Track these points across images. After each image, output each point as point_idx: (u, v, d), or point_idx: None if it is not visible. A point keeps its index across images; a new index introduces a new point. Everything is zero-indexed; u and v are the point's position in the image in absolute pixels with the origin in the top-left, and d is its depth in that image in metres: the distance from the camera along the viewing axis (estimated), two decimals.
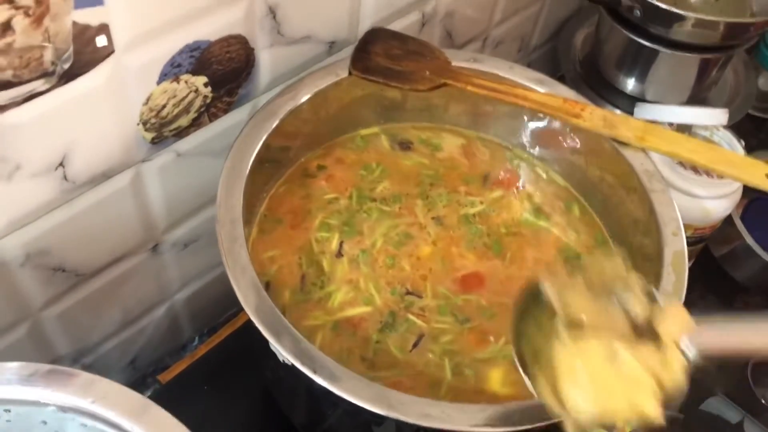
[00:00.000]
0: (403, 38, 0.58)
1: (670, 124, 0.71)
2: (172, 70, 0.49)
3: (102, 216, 0.53)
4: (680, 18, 0.71)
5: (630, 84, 0.82)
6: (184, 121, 0.53)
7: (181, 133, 0.54)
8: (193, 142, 0.55)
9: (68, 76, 0.43)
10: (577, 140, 0.58)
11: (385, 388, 0.41)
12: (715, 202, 0.70)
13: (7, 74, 0.40)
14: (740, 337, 0.37)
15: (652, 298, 0.38)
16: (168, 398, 0.62)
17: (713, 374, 0.73)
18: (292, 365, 0.42)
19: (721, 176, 0.67)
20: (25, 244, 0.49)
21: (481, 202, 0.58)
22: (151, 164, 0.53)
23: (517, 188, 0.60)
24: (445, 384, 0.48)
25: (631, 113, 0.73)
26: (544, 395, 0.37)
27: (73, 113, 0.45)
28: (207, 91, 0.53)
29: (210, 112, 0.55)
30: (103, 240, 0.55)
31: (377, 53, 0.56)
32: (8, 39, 0.39)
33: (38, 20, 0.39)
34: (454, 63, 0.57)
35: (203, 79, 0.52)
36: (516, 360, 0.39)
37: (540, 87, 0.57)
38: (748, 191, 0.73)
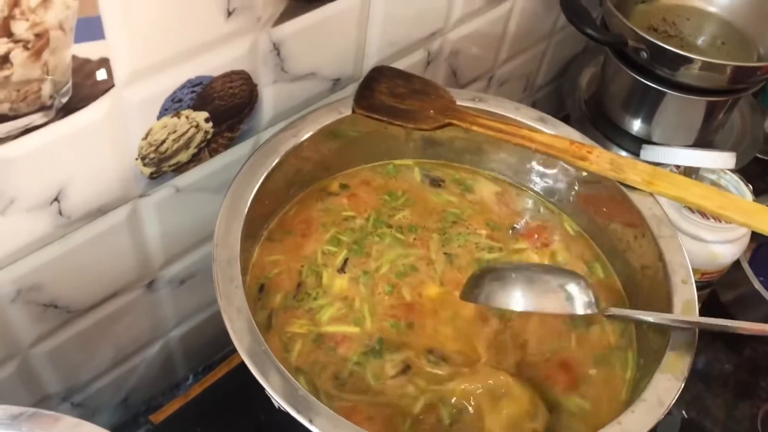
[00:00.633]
0: (407, 76, 0.57)
1: (677, 167, 0.70)
2: (172, 105, 0.48)
3: (97, 252, 0.52)
4: (687, 60, 0.70)
5: (636, 125, 0.81)
6: (183, 156, 0.52)
7: (180, 169, 0.53)
8: (192, 177, 0.54)
9: (66, 110, 0.43)
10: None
11: None
12: (723, 246, 0.69)
13: (4, 107, 0.40)
14: None
15: None
16: None
17: (724, 424, 0.71)
18: (287, 412, 0.40)
19: (729, 222, 0.67)
20: (17, 279, 0.48)
21: (500, 249, 0.56)
22: (148, 199, 0.52)
23: (545, 244, 0.57)
24: (408, 421, 0.47)
25: (637, 155, 0.72)
26: None
27: (70, 147, 0.44)
28: (208, 126, 0.52)
29: (210, 147, 0.54)
30: (98, 276, 0.54)
31: (381, 91, 0.55)
32: (6, 72, 0.38)
33: (37, 54, 0.39)
34: (459, 102, 0.56)
35: (204, 114, 0.51)
36: None
37: (546, 128, 0.56)
38: (756, 236, 0.72)
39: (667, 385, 0.43)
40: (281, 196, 0.56)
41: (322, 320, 0.51)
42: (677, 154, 0.70)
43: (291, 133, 0.53)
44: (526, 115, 0.57)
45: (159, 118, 0.48)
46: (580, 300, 0.46)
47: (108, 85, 0.44)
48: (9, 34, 0.37)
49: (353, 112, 0.55)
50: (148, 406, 0.67)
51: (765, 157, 0.93)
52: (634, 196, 0.53)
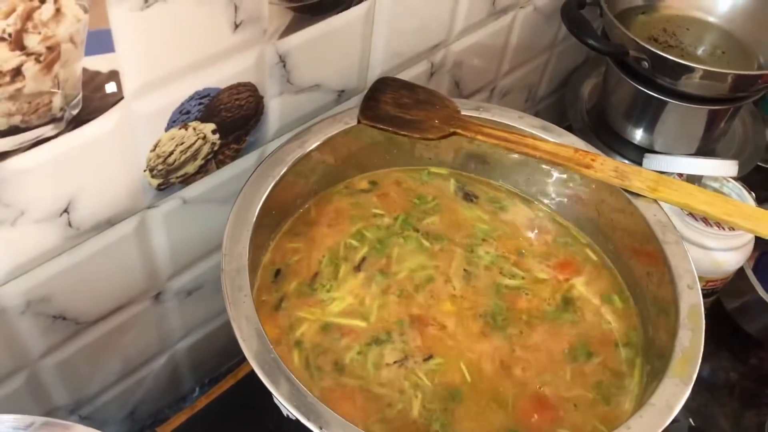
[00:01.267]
0: (412, 87, 0.58)
1: (680, 176, 0.70)
2: (180, 117, 0.49)
3: (105, 263, 0.52)
4: (688, 70, 0.71)
5: (638, 135, 0.82)
6: (191, 167, 0.53)
7: (187, 180, 0.53)
8: (199, 188, 0.55)
9: (76, 122, 0.43)
10: None
11: None
12: (727, 254, 0.69)
13: (16, 119, 0.40)
14: None
15: None
16: None
17: (729, 431, 0.71)
18: (297, 420, 0.40)
19: (734, 228, 0.67)
20: (26, 291, 0.48)
21: (523, 278, 0.56)
22: (156, 211, 0.53)
23: (567, 279, 0.56)
24: (395, 409, 0.48)
25: (640, 164, 0.73)
26: None
27: (80, 159, 0.45)
28: (215, 138, 0.52)
29: (217, 159, 0.54)
30: (106, 287, 0.54)
31: (386, 102, 0.56)
32: (18, 84, 0.39)
33: (49, 66, 0.39)
34: (463, 112, 0.56)
35: (211, 126, 0.51)
36: None
37: (550, 136, 0.57)
38: (760, 243, 0.72)
39: (674, 390, 0.43)
40: (289, 205, 0.56)
41: (332, 311, 0.52)
42: (680, 163, 0.70)
43: (297, 144, 0.54)
44: (529, 124, 0.57)
45: (167, 129, 0.49)
46: None
47: (117, 98, 0.44)
48: (22, 47, 0.37)
49: (358, 122, 0.55)
50: (155, 419, 0.67)
51: (767, 165, 0.93)
52: (638, 203, 0.53)
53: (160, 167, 0.50)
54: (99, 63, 0.42)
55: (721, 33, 0.81)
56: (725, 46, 0.80)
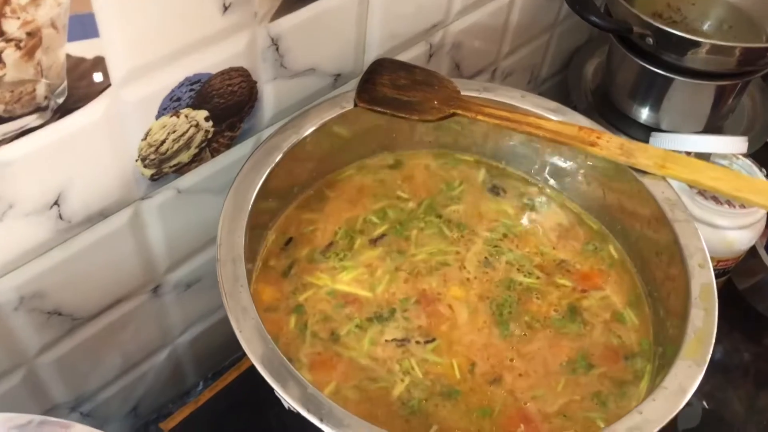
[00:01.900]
0: (410, 68, 0.56)
1: (688, 154, 0.68)
2: (171, 104, 0.47)
3: (99, 257, 0.51)
4: (694, 45, 0.69)
5: (644, 114, 0.80)
6: (184, 156, 0.51)
7: (181, 170, 0.52)
8: (194, 178, 0.54)
9: (62, 111, 0.42)
10: None
11: None
12: (738, 232, 0.67)
13: None
14: None
15: None
16: None
17: (745, 414, 0.69)
18: (298, 412, 0.39)
19: (746, 205, 0.65)
20: (18, 286, 0.47)
21: (538, 278, 0.54)
22: (150, 202, 0.52)
23: (585, 290, 0.54)
24: (375, 384, 0.47)
25: (647, 143, 0.71)
26: None
27: (68, 149, 0.44)
28: (208, 125, 0.51)
29: (211, 147, 0.53)
30: (101, 282, 0.53)
31: (383, 83, 0.54)
32: None
33: (30, 53, 0.38)
34: (463, 92, 0.55)
35: (204, 113, 0.50)
36: None
37: (554, 115, 0.55)
38: None
39: (688, 372, 0.42)
40: (286, 193, 0.55)
41: (341, 279, 0.53)
42: (688, 141, 0.69)
43: (293, 130, 0.52)
44: (533, 104, 0.56)
45: (158, 117, 0.47)
46: None
47: (104, 85, 0.43)
48: (0, 33, 0.36)
49: (355, 105, 0.54)
50: (159, 414, 0.66)
51: None
52: (646, 181, 0.51)
53: (152, 157, 0.49)
54: (83, 49, 0.40)
55: (728, 7, 0.79)
56: (732, 20, 0.78)
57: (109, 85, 0.43)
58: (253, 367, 0.41)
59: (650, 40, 0.71)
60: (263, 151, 0.51)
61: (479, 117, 0.53)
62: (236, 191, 0.48)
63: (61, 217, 0.46)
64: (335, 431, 0.38)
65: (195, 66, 0.47)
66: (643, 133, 0.78)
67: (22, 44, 0.37)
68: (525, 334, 0.51)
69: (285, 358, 0.41)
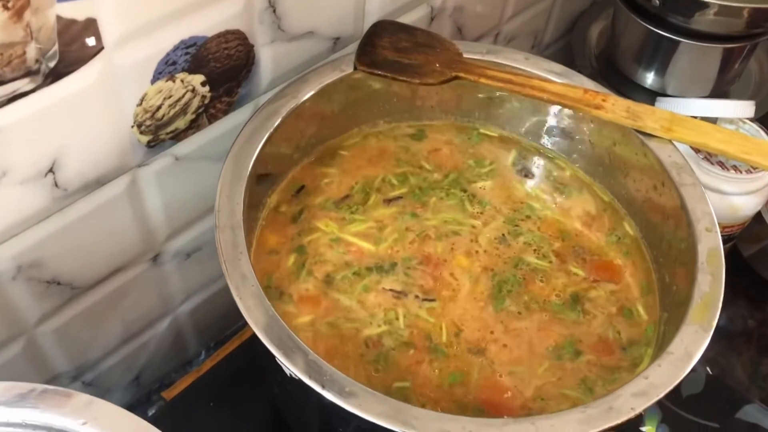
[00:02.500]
0: (411, 30, 0.55)
1: (694, 118, 0.67)
2: (166, 69, 0.46)
3: (97, 225, 0.50)
4: (702, 6, 0.68)
5: (649, 78, 0.79)
6: (181, 122, 0.50)
7: (178, 136, 0.51)
8: (191, 145, 0.53)
9: (55, 75, 0.41)
10: None
11: (400, 403, 0.38)
12: (744, 198, 0.67)
13: None
14: None
15: None
16: (173, 416, 0.60)
17: (749, 380, 0.69)
18: (299, 379, 0.39)
19: (753, 170, 0.64)
20: (15, 255, 0.47)
21: (550, 262, 0.52)
22: (147, 169, 0.51)
23: (596, 280, 0.52)
24: (350, 324, 0.48)
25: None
26: None
27: (61, 115, 0.43)
28: (205, 90, 0.50)
29: (209, 113, 0.52)
30: (100, 250, 0.52)
31: (384, 46, 0.53)
32: None
33: (18, 14, 0.37)
34: (466, 55, 0.54)
35: (200, 77, 0.49)
36: None
37: (558, 78, 0.54)
38: None
39: (694, 337, 0.41)
40: (286, 159, 0.54)
41: (349, 230, 0.53)
42: (694, 106, 0.68)
43: (291, 94, 0.51)
44: (537, 66, 0.55)
45: (153, 82, 0.46)
46: None
47: (97, 48, 0.42)
48: None
49: (355, 68, 0.53)
50: (161, 383, 0.66)
51: None
52: (652, 144, 0.50)
53: (148, 123, 0.48)
54: (74, 10, 0.39)
55: None
56: None
57: (102, 48, 0.42)
58: (254, 336, 0.40)
59: (656, 2, 0.69)
60: (262, 116, 0.50)
61: (481, 80, 0.52)
62: (235, 157, 0.47)
63: (56, 184, 0.45)
64: (337, 398, 0.38)
65: (190, 29, 0.46)
66: (649, 98, 0.77)
67: (9, 4, 0.36)
68: (519, 313, 0.50)
69: (286, 325, 0.40)
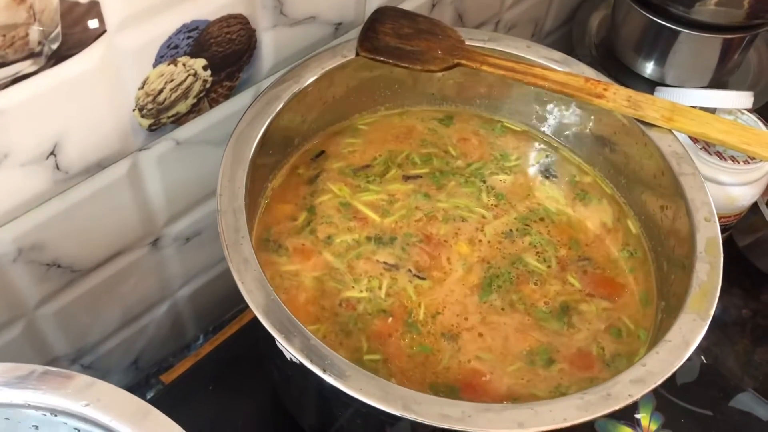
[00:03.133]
0: (413, 17, 0.55)
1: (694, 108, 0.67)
2: (168, 52, 0.46)
3: (98, 208, 0.50)
4: None
5: (649, 68, 0.79)
6: (182, 107, 0.50)
7: (180, 120, 0.51)
8: (193, 129, 0.53)
9: (57, 58, 0.41)
10: None
11: (400, 387, 0.38)
12: (741, 189, 0.67)
13: None
14: None
15: None
16: (171, 399, 0.60)
17: (743, 369, 0.70)
18: (300, 363, 0.39)
19: (751, 160, 0.65)
20: (16, 238, 0.47)
21: (549, 267, 0.51)
22: (148, 153, 0.51)
23: (591, 295, 0.50)
24: (332, 283, 0.49)
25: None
26: None
27: (63, 98, 0.42)
28: (206, 74, 0.50)
29: (210, 97, 0.52)
30: (100, 234, 0.52)
31: (386, 32, 0.53)
32: None
33: None
34: (468, 42, 0.53)
35: (202, 61, 0.49)
36: None
37: (559, 66, 0.54)
38: None
39: (692, 326, 0.41)
40: (287, 143, 0.54)
41: (360, 197, 0.54)
42: (693, 96, 0.68)
43: (293, 80, 0.51)
44: (538, 54, 0.55)
45: (155, 65, 0.46)
46: None
47: (99, 31, 0.42)
48: None
49: (357, 54, 0.53)
50: (159, 367, 0.66)
51: None
52: (652, 134, 0.51)
53: (149, 106, 0.48)
54: None
55: None
56: None
57: (105, 31, 0.42)
58: (253, 320, 0.40)
59: None
60: (264, 100, 0.50)
61: (483, 67, 0.52)
62: (236, 141, 0.47)
63: (58, 167, 0.45)
64: (337, 382, 0.38)
65: (192, 12, 0.46)
66: (648, 87, 0.77)
67: None
68: (503, 309, 0.49)
69: (288, 311, 0.40)
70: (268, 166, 0.52)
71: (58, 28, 0.40)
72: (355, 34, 0.56)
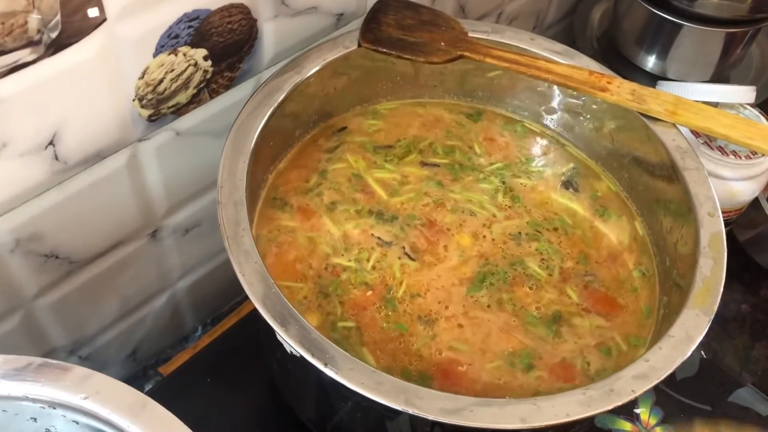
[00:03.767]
0: (416, 7, 0.54)
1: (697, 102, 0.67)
2: (169, 42, 0.46)
3: (97, 199, 0.50)
4: None
5: (650, 61, 0.78)
6: (182, 97, 0.50)
7: (180, 111, 0.51)
8: (193, 120, 0.52)
9: (56, 46, 0.40)
10: None
11: (402, 382, 0.38)
12: (742, 184, 0.67)
13: None
14: None
15: None
16: (169, 391, 0.60)
17: (742, 364, 0.70)
18: (301, 357, 0.39)
19: (753, 153, 0.65)
20: (14, 228, 0.46)
21: (550, 275, 0.50)
22: (148, 144, 0.50)
23: (587, 310, 0.49)
24: (320, 249, 0.50)
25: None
26: None
27: (62, 87, 0.42)
28: (207, 65, 0.49)
29: (210, 88, 0.51)
30: (99, 225, 0.52)
31: (389, 23, 0.52)
32: None
33: None
34: (471, 34, 0.53)
35: (203, 51, 0.48)
36: None
37: (563, 59, 0.53)
38: None
39: (695, 321, 0.41)
40: (288, 135, 0.54)
41: (373, 173, 0.54)
42: (695, 90, 0.67)
43: (294, 70, 0.51)
44: (542, 47, 0.54)
45: (155, 55, 0.46)
46: None
47: (99, 20, 0.41)
48: None
49: (359, 45, 0.52)
50: (157, 359, 0.66)
51: None
52: (656, 128, 0.50)
53: (149, 96, 0.48)
54: None
55: None
56: None
57: (105, 19, 0.41)
58: (252, 312, 0.40)
59: None
60: (264, 91, 0.49)
61: (487, 60, 0.51)
62: (237, 132, 0.47)
63: (56, 157, 0.45)
64: (338, 376, 0.38)
65: (193, 1, 0.45)
66: (650, 81, 0.76)
67: None
68: (489, 306, 0.48)
69: (289, 303, 0.40)
70: (269, 156, 0.52)
71: (58, 17, 0.39)
72: (357, 24, 0.55)
